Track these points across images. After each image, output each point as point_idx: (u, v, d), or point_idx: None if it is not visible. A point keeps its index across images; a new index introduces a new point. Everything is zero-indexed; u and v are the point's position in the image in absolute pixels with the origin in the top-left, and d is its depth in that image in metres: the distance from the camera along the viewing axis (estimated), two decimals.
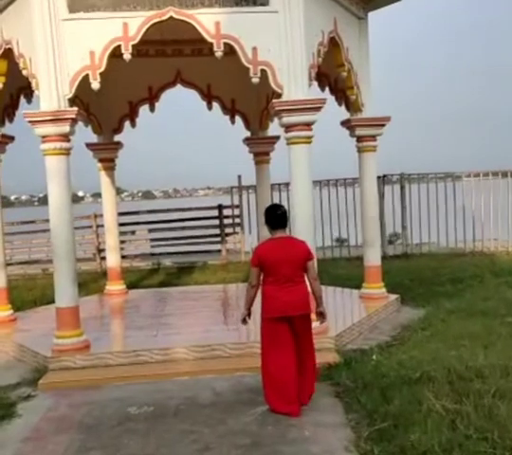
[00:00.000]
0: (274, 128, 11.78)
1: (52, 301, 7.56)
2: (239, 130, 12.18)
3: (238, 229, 16.35)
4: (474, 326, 7.54)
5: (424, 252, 15.21)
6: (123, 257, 13.81)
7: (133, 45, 7.14)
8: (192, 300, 10.45)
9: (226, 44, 7.16)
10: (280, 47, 7.27)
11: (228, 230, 16.44)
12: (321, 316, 5.76)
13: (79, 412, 5.80)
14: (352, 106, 9.40)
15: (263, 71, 7.25)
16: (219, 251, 16.30)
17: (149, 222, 16.76)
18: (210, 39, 7.17)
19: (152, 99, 11.50)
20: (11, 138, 9.55)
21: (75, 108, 7.19)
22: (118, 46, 7.11)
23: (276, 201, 14.14)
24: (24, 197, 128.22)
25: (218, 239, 16.38)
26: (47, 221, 7.49)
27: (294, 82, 7.32)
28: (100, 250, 15.75)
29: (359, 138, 9.43)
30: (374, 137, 9.45)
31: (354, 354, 6.91)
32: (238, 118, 12.00)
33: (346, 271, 12.43)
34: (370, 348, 7.13)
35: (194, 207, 17.26)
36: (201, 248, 16.52)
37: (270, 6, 7.26)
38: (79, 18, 7.11)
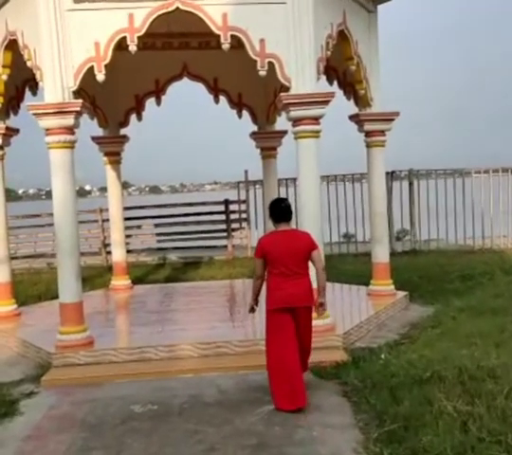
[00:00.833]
0: (281, 122, 11.67)
1: (57, 296, 7.48)
2: (246, 124, 12.09)
3: (244, 225, 16.25)
4: (485, 324, 7.39)
5: (432, 249, 15.09)
6: (129, 251, 13.71)
7: (139, 38, 7.04)
8: (198, 296, 10.35)
9: (233, 36, 7.04)
10: (288, 40, 7.13)
11: (234, 225, 16.35)
12: (321, 306, 5.75)
13: (81, 410, 5.71)
14: (360, 101, 9.26)
15: (270, 64, 7.12)
16: (225, 246, 16.20)
17: (155, 216, 16.71)
18: (216, 31, 7.05)
19: (158, 92, 11.41)
20: (16, 131, 9.44)
21: (79, 100, 7.08)
22: (125, 38, 7.01)
23: (283, 196, 14.02)
24: (31, 191, 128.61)
25: (224, 234, 16.29)
26: (53, 215, 7.39)
27: (302, 75, 7.17)
28: (106, 245, 15.69)
29: (368, 133, 9.31)
30: (382, 132, 9.32)
31: (362, 353, 6.79)
32: (245, 113, 11.88)
33: (353, 267, 12.33)
34: (378, 346, 7.00)
35: (201, 201, 17.19)
36: (207, 243, 16.43)
37: None
38: (84, 8, 7.00)
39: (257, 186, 15.63)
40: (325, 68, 7.94)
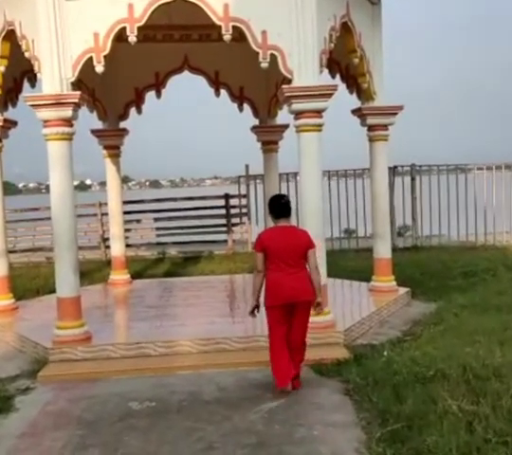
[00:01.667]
0: (283, 116, 11.56)
1: (55, 291, 7.38)
2: (247, 118, 11.97)
3: (245, 219, 16.14)
4: (489, 321, 7.28)
5: (434, 245, 14.98)
6: (128, 246, 13.60)
7: (139, 29, 6.91)
8: (198, 291, 10.24)
9: (234, 27, 6.91)
10: (290, 31, 6.99)
11: (234, 220, 16.24)
12: (319, 306, 5.75)
13: (78, 407, 5.61)
14: (363, 94, 9.13)
15: (272, 56, 7.00)
16: (225, 241, 16.10)
17: (154, 210, 16.59)
18: (218, 22, 6.92)
19: (158, 85, 11.29)
20: (14, 123, 9.32)
21: (78, 92, 6.96)
22: (124, 29, 6.88)
23: (284, 191, 13.93)
24: (31, 185, 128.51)
25: (224, 229, 16.18)
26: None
27: (304, 68, 7.04)
28: (105, 239, 15.56)
29: (370, 127, 9.19)
30: (385, 127, 9.20)
31: (364, 350, 6.70)
32: (246, 106, 11.76)
33: (354, 263, 12.22)
34: (380, 343, 6.91)
35: (201, 196, 17.07)
36: (207, 238, 16.33)
37: None
38: None
39: (258, 180, 15.51)
40: (328, 62, 7.79)
